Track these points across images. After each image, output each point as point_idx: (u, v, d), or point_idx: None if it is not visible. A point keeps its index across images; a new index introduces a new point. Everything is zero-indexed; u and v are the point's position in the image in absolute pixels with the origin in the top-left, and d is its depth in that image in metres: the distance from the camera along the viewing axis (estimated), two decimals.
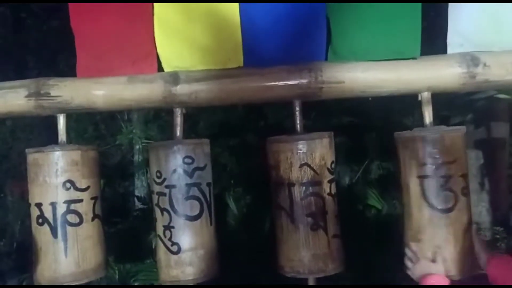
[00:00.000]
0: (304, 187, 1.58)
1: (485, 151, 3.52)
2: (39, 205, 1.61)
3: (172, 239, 1.59)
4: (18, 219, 4.78)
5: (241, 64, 1.65)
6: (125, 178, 5.55)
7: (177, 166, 1.60)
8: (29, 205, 1.65)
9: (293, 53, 1.65)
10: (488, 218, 3.54)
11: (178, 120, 1.71)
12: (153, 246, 3.30)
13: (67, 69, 1.69)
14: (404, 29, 1.59)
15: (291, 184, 1.59)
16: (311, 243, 1.57)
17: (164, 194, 1.60)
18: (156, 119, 5.24)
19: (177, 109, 1.71)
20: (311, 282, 1.62)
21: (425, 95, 1.62)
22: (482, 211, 3.54)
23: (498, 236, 3.32)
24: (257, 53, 1.64)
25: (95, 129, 6.10)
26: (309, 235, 1.57)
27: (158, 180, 1.62)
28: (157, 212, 1.63)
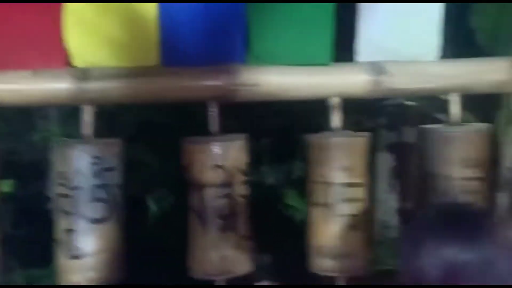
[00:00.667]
0: (216, 189, 1.59)
1: (396, 154, 3.78)
2: None
3: (75, 243, 1.52)
4: None
5: (158, 62, 1.62)
6: (39, 178, 5.21)
7: (83, 167, 1.53)
8: None
9: (211, 54, 1.66)
10: (396, 217, 3.80)
11: (88, 118, 1.64)
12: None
13: None
14: (316, 36, 1.66)
15: (203, 186, 1.59)
16: (221, 244, 1.59)
17: (68, 196, 1.53)
18: (76, 116, 4.98)
19: (87, 106, 1.64)
20: (219, 283, 1.64)
21: (335, 101, 1.71)
22: (391, 210, 3.79)
23: None
24: (175, 52, 1.62)
25: (7, 124, 5.66)
26: (219, 237, 1.59)
27: (61, 181, 1.53)
28: (59, 214, 1.55)
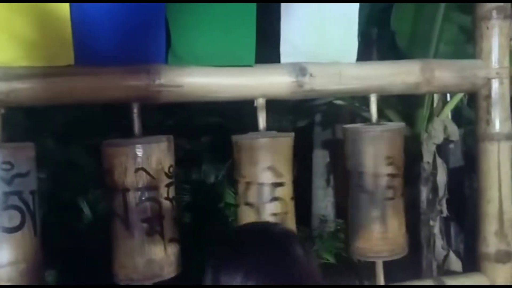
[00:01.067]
0: (139, 192, 1.55)
1: (330, 150, 3.90)
2: None
3: None
4: None
5: (72, 62, 1.54)
6: None
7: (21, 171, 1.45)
8: None
9: (131, 53, 1.60)
10: (333, 211, 3.93)
11: None
12: None
13: None
14: (239, 37, 1.65)
15: (125, 190, 1.54)
16: (146, 248, 1.55)
17: None
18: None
19: None
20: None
21: (260, 102, 1.72)
22: (327, 205, 3.91)
23: (339, 227, 3.71)
24: (90, 51, 1.55)
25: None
26: (144, 241, 1.55)
27: None
28: None
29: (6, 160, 1.45)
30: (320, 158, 3.89)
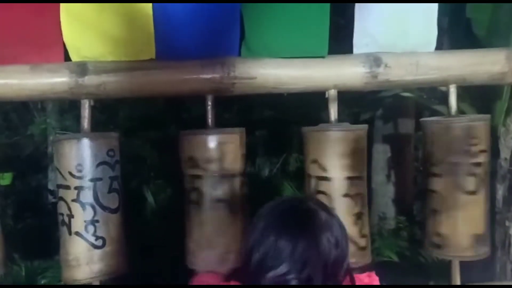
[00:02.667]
0: (214, 179, 1.61)
1: (392, 145, 3.80)
2: None
3: (97, 234, 1.55)
4: None
5: (153, 56, 1.62)
6: (38, 171, 5.22)
7: (102, 159, 1.57)
8: None
9: (207, 47, 1.66)
10: (393, 209, 3.83)
11: (86, 112, 1.65)
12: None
13: None
14: (312, 28, 1.66)
15: (201, 177, 1.61)
16: (220, 237, 1.60)
17: (87, 188, 1.55)
18: (73, 109, 4.97)
19: (85, 100, 1.64)
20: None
21: (332, 93, 1.71)
22: (387, 201, 3.82)
23: (401, 225, 3.61)
24: (170, 46, 1.62)
25: (5, 118, 5.66)
26: (220, 229, 1.60)
27: (79, 174, 1.54)
28: (76, 207, 1.55)
29: (111, 147, 1.59)
30: (381, 153, 3.80)
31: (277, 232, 0.93)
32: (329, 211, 1.00)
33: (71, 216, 1.55)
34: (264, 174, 4.52)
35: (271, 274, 0.90)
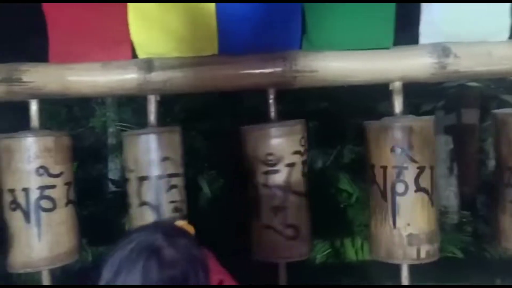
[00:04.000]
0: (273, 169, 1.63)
1: (455, 136, 3.63)
2: (11, 191, 1.59)
3: None
4: None
5: (216, 52, 1.65)
6: (99, 161, 5.49)
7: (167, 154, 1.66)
8: (1, 191, 1.63)
9: (268, 41, 1.66)
10: (455, 202, 3.67)
11: (152, 107, 1.71)
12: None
13: (41, 54, 1.66)
14: (378, 19, 1.61)
15: (263, 167, 1.63)
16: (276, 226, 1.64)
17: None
18: (130, 102, 5.17)
19: (151, 96, 1.70)
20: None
21: (396, 85, 1.67)
22: (450, 195, 3.66)
23: (465, 220, 3.46)
24: (232, 41, 1.64)
25: (68, 111, 5.98)
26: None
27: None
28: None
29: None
30: (443, 145, 3.64)
31: (122, 272, 0.93)
32: (178, 247, 0.97)
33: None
34: (317, 166, 4.48)
35: None
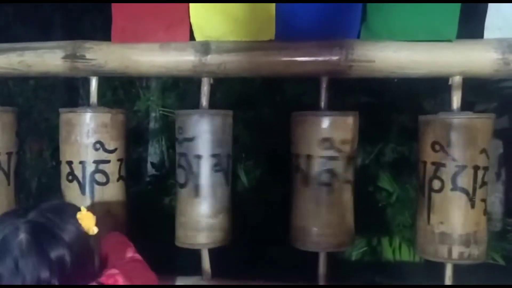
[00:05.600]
0: (322, 160, 1.63)
1: (505, 140, 3.49)
2: (69, 163, 1.66)
3: (216, 204, 1.69)
4: (35, 176, 4.90)
5: (273, 37, 1.65)
6: (140, 144, 5.63)
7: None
8: (60, 162, 1.70)
9: (326, 29, 1.64)
10: (500, 209, 3.53)
11: (205, 89, 1.73)
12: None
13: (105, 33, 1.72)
14: (442, 10, 1.56)
15: (310, 157, 1.63)
16: (323, 215, 1.64)
17: None
18: (174, 87, 5.26)
19: (205, 78, 1.73)
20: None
21: (457, 79, 1.62)
22: (495, 201, 3.53)
23: (509, 228, 3.33)
24: (290, 27, 1.64)
25: (113, 94, 6.15)
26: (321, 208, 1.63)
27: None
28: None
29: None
30: (493, 148, 3.49)
31: None
32: (37, 236, 0.99)
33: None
34: (357, 163, 4.41)
35: None
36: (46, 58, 1.69)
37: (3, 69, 1.72)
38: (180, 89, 5.19)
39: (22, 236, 0.99)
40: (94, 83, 1.74)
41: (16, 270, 0.97)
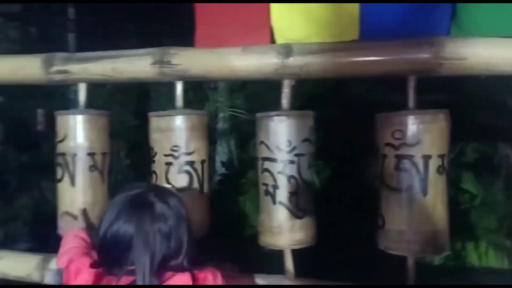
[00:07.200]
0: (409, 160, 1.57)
1: None
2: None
3: (298, 205, 1.67)
4: (113, 174, 5.21)
5: (357, 37, 1.62)
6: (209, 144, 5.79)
7: (306, 136, 1.69)
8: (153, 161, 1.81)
9: (414, 26, 1.59)
10: None
11: (287, 91, 1.74)
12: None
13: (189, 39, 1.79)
14: None
15: (401, 157, 1.58)
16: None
17: (293, 162, 1.66)
18: (242, 89, 5.34)
19: (286, 81, 1.73)
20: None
21: None
22: None
23: None
24: (375, 26, 1.60)
25: (184, 95, 6.38)
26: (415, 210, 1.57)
27: (287, 149, 1.66)
28: (282, 179, 1.66)
29: (311, 125, 1.74)
30: None
31: (117, 221, 1.07)
32: (168, 203, 1.10)
33: (276, 187, 1.67)
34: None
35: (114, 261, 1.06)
36: (136, 65, 1.78)
37: (97, 75, 1.84)
38: (248, 91, 5.27)
39: (151, 194, 1.12)
40: (179, 87, 1.82)
41: (151, 224, 1.07)
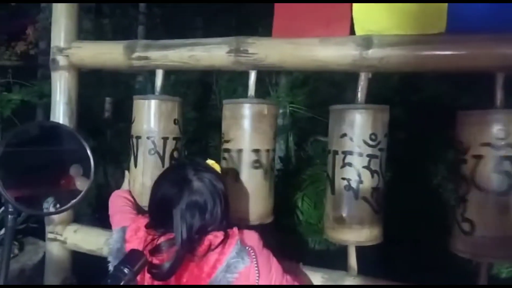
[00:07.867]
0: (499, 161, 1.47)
1: None
2: (256, 151, 1.79)
3: (378, 201, 1.66)
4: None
5: (443, 30, 1.55)
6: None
7: (387, 131, 1.67)
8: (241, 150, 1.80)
9: (504, 20, 1.50)
10: None
11: (363, 84, 1.70)
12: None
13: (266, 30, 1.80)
14: None
15: (503, 158, 1.47)
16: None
17: (377, 157, 1.64)
18: (304, 85, 5.29)
19: (363, 73, 1.69)
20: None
21: None
22: None
23: None
24: (463, 18, 1.52)
25: (244, 90, 6.43)
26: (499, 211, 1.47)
27: (372, 143, 1.63)
28: (366, 174, 1.63)
29: (388, 119, 1.68)
30: None
31: (161, 192, 1.27)
32: (204, 180, 1.25)
33: (360, 181, 1.63)
34: None
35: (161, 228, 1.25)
36: (212, 53, 1.82)
37: (175, 62, 1.90)
38: (310, 86, 5.21)
39: (191, 172, 1.27)
40: (253, 76, 1.84)
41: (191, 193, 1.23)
